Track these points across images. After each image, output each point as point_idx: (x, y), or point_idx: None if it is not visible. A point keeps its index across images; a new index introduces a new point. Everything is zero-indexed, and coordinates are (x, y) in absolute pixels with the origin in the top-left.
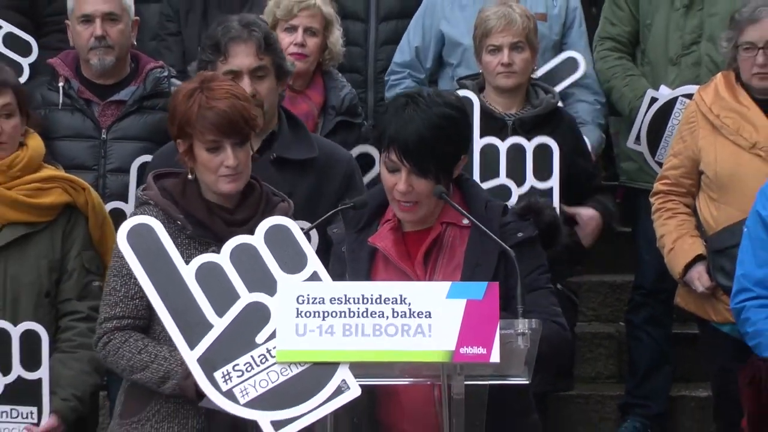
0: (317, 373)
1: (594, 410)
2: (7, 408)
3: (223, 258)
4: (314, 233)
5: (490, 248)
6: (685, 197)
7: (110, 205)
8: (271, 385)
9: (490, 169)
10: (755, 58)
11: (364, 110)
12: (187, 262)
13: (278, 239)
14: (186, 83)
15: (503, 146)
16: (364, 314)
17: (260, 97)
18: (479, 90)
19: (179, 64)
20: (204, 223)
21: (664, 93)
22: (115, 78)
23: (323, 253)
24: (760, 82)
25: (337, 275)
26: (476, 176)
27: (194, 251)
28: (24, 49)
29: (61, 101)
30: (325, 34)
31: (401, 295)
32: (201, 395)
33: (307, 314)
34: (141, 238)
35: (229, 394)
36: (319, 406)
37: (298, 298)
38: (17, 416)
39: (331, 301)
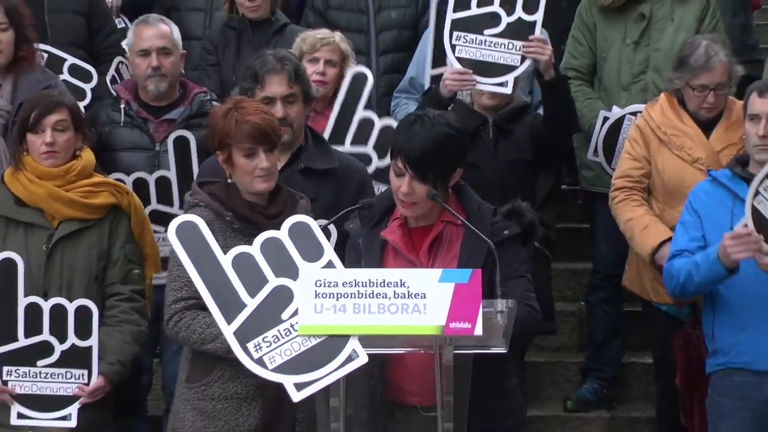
0: (332, 344)
1: (560, 374)
2: (62, 370)
3: (254, 249)
4: (333, 229)
5: (481, 243)
6: (644, 193)
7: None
8: (294, 354)
9: None
10: (706, 98)
11: None
12: None
13: (300, 233)
14: (220, 106)
15: None
16: (371, 295)
17: (290, 119)
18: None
19: (217, 89)
20: (247, 218)
21: (615, 112)
22: (167, 101)
23: (341, 245)
24: (708, 113)
25: (353, 263)
26: None
27: (240, 241)
28: (86, 77)
29: (122, 119)
30: (342, 65)
31: (401, 280)
32: None
33: (324, 295)
34: (187, 233)
35: (260, 361)
36: (333, 371)
37: (316, 282)
38: (71, 377)
39: (343, 284)
